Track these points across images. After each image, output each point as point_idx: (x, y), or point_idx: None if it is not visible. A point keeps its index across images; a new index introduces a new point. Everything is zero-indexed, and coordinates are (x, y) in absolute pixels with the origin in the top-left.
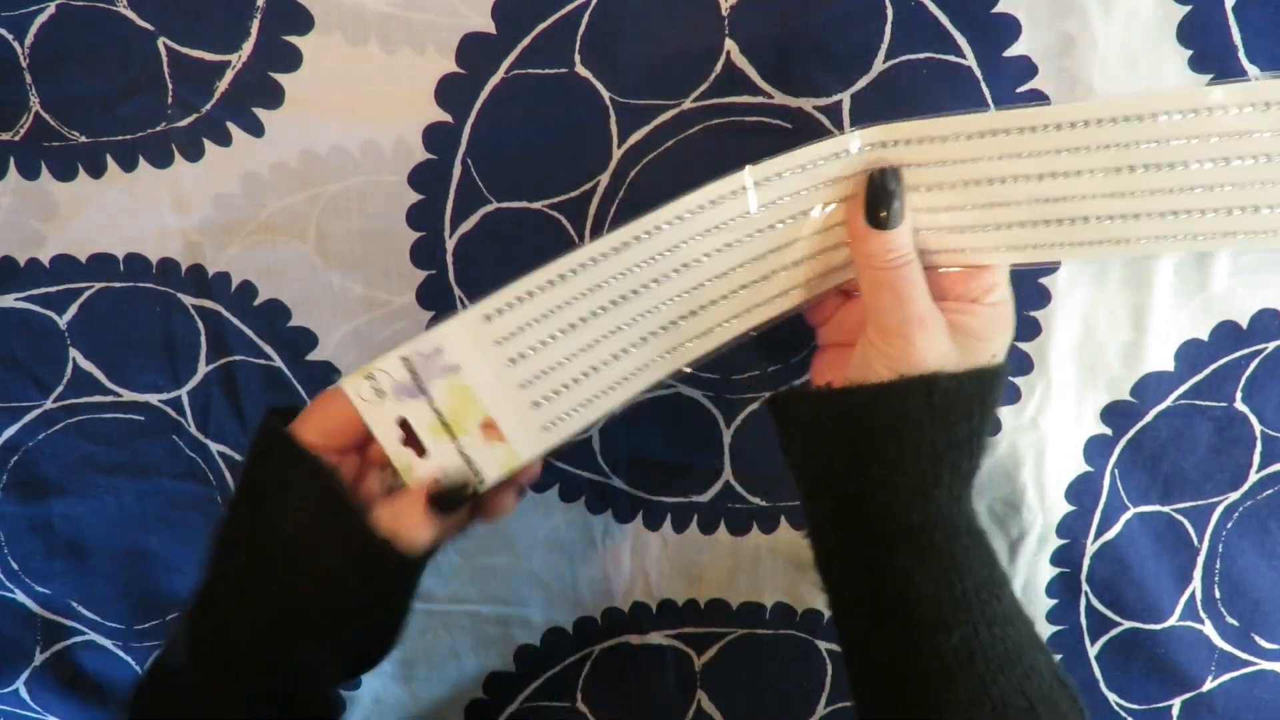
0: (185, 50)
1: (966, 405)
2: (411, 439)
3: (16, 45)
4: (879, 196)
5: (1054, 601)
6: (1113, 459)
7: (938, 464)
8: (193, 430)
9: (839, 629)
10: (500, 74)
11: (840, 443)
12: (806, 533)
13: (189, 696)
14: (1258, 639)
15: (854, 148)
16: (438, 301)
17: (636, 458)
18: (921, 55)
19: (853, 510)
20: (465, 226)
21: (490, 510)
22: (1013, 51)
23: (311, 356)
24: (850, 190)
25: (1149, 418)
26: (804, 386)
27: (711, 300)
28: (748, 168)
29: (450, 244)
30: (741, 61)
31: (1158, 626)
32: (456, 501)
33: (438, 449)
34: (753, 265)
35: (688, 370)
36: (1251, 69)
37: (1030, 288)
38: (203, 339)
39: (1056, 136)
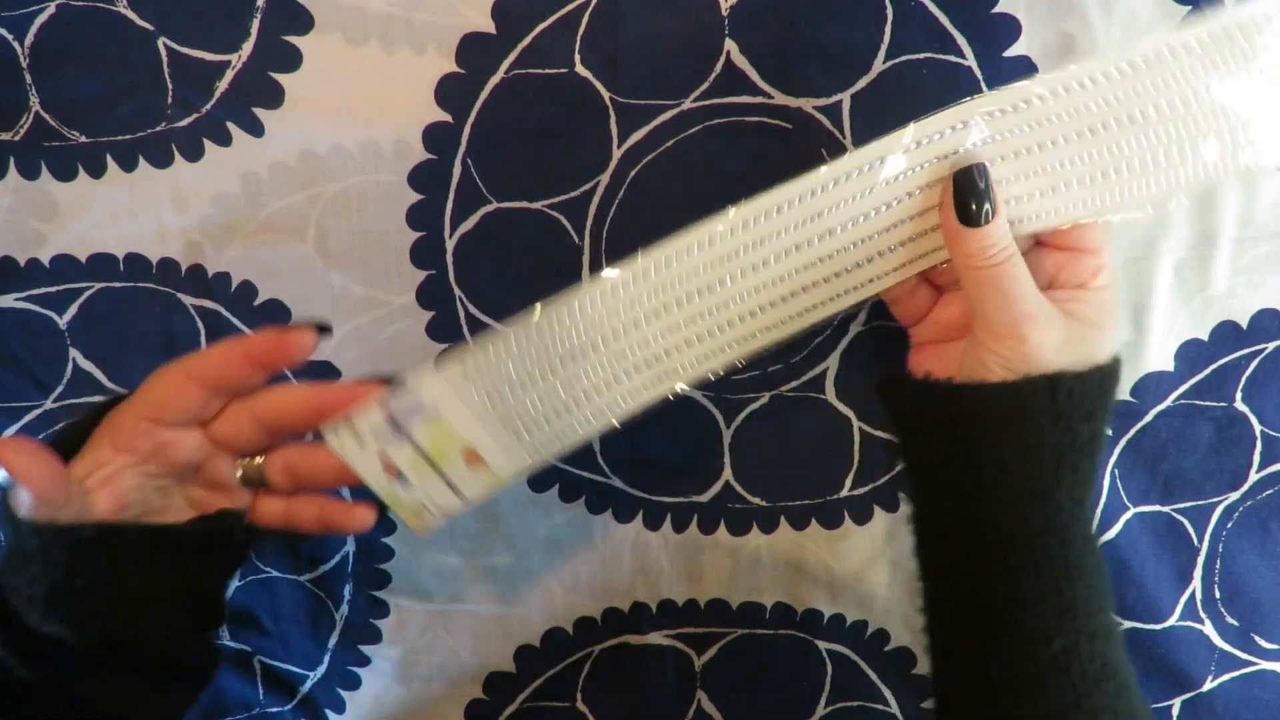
0: (185, 50)
1: (1090, 405)
2: (395, 473)
3: (16, 45)
4: (968, 194)
5: None
6: (1113, 459)
7: (1059, 466)
8: None
9: (929, 622)
10: (500, 74)
11: (952, 440)
12: (911, 520)
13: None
14: (1258, 639)
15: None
16: (438, 301)
17: (636, 458)
18: (921, 55)
19: (962, 509)
20: (465, 226)
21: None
22: (1013, 51)
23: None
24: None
25: (1149, 418)
26: (908, 375)
27: (723, 325)
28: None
29: (450, 244)
30: (741, 61)
31: (1158, 626)
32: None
33: (420, 479)
34: (783, 281)
35: (680, 392)
36: None
37: None
38: (203, 339)
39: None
